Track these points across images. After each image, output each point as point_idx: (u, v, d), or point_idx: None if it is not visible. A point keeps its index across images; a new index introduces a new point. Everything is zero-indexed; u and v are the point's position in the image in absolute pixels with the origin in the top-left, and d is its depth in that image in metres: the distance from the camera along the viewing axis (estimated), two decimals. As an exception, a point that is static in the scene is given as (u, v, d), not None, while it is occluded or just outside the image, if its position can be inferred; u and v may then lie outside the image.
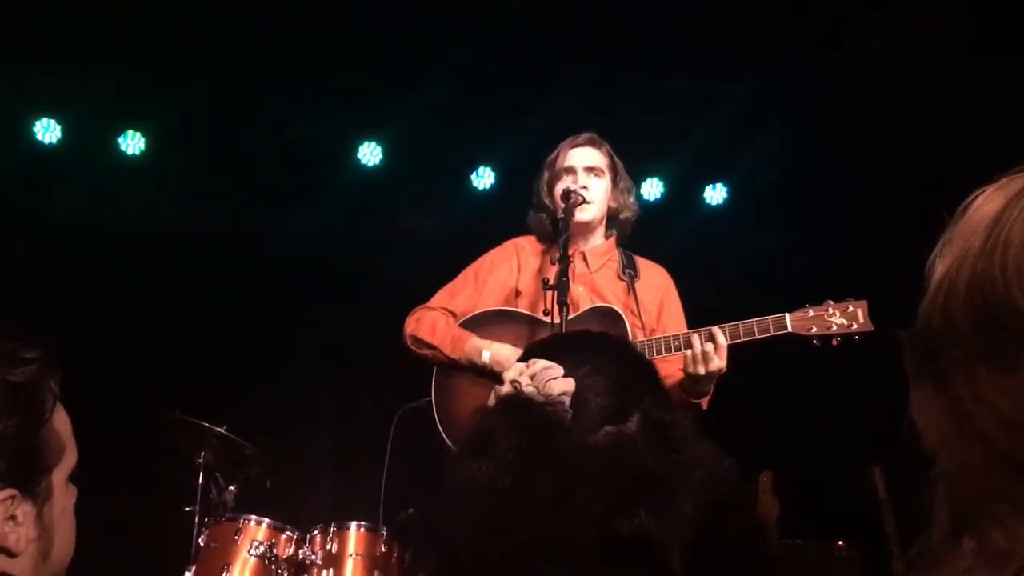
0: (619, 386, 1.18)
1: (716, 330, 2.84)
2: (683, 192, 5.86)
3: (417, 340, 3.18)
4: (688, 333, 2.90)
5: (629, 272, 3.22)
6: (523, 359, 1.23)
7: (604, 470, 1.05)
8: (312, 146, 5.56)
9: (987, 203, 0.60)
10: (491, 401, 1.21)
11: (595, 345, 1.31)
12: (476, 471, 1.07)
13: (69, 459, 1.13)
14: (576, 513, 1.01)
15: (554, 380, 1.16)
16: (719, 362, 2.82)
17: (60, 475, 1.11)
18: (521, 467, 1.05)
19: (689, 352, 2.83)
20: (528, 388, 1.16)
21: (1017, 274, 0.56)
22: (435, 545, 1.09)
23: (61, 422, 1.11)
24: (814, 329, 2.86)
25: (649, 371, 1.27)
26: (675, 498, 1.04)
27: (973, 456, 0.57)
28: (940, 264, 0.61)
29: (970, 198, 0.62)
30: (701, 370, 2.81)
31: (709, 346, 2.82)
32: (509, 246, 3.35)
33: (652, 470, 1.06)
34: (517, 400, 1.16)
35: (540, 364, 1.18)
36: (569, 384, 1.15)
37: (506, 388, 1.19)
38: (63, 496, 1.12)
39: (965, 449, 0.58)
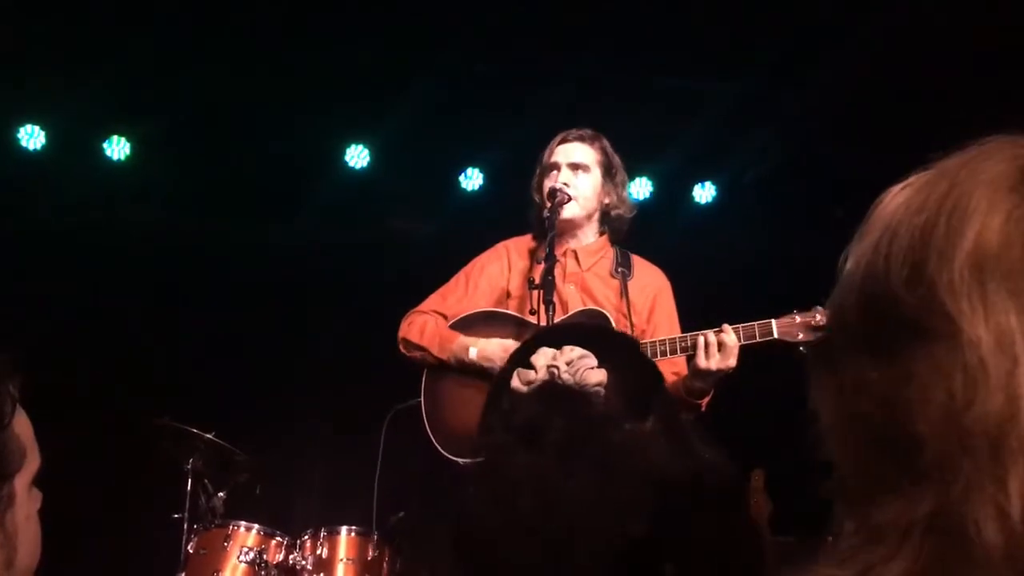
0: (636, 385, 1.17)
1: (727, 327, 2.84)
2: (672, 190, 5.85)
3: (407, 343, 3.17)
4: (695, 334, 2.88)
5: (622, 270, 3.16)
6: (539, 345, 1.20)
7: (629, 468, 1.03)
8: (299, 149, 5.54)
9: (892, 199, 0.63)
10: (518, 385, 1.18)
11: (610, 341, 1.30)
12: (529, 464, 1.04)
13: (31, 464, 1.10)
14: (609, 511, 0.99)
15: (590, 370, 1.14)
16: (730, 360, 2.81)
17: (23, 481, 1.08)
18: (569, 460, 1.03)
19: (702, 339, 2.82)
20: (566, 376, 1.14)
21: (896, 261, 0.58)
22: (467, 542, 1.05)
23: (22, 426, 1.08)
24: (801, 336, 2.84)
25: (656, 372, 1.26)
26: (686, 501, 1.03)
27: (853, 438, 0.60)
28: (849, 260, 0.64)
29: (882, 195, 0.65)
30: (713, 365, 2.80)
31: (723, 337, 2.82)
32: (500, 248, 3.32)
33: (669, 470, 1.05)
34: (557, 388, 1.14)
35: (576, 351, 1.16)
36: (603, 374, 1.14)
37: (541, 374, 1.17)
38: (26, 502, 1.09)
39: (845, 430, 0.61)
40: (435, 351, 3.09)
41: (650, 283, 3.22)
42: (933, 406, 0.54)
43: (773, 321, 2.86)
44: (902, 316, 0.57)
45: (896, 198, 0.63)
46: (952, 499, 0.52)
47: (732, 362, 2.82)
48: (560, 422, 1.06)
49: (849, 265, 0.63)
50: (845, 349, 0.61)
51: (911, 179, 0.63)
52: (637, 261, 3.25)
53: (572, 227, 3.18)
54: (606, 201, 3.22)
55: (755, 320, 2.88)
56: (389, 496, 3.93)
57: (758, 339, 2.84)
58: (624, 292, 3.12)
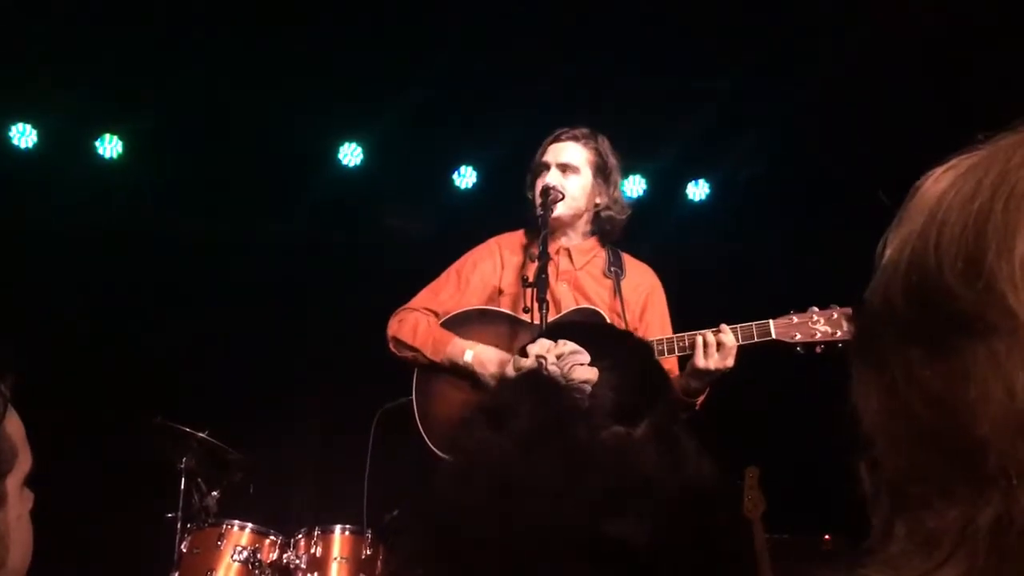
0: (635, 388, 1.16)
1: (725, 327, 2.85)
2: (666, 188, 5.85)
3: (399, 342, 3.15)
4: (693, 334, 2.88)
5: (615, 270, 3.17)
6: (544, 337, 1.21)
7: (606, 469, 1.03)
8: (293, 147, 5.53)
9: (935, 184, 0.59)
10: (510, 371, 1.20)
11: (618, 341, 1.30)
12: (491, 444, 1.05)
13: (23, 464, 1.09)
14: (574, 508, 0.99)
15: (580, 366, 1.14)
16: (728, 360, 2.82)
17: (14, 481, 1.07)
18: (534, 450, 1.03)
19: (700, 339, 2.83)
20: (552, 368, 1.15)
21: (949, 252, 0.55)
22: (433, 520, 1.06)
23: (13, 426, 1.08)
24: (798, 336, 2.85)
25: (664, 380, 1.26)
26: (667, 511, 1.02)
27: (903, 437, 0.57)
28: (888, 247, 0.60)
29: (922, 179, 0.61)
30: (711, 365, 2.80)
31: (721, 337, 2.83)
32: (492, 244, 3.31)
33: (650, 480, 1.04)
34: (539, 377, 1.15)
35: (569, 346, 1.17)
36: (593, 373, 1.14)
37: (529, 362, 1.17)
38: (18, 502, 1.08)
39: (896, 430, 0.57)
40: (428, 352, 3.07)
41: (642, 282, 3.22)
42: (993, 405, 0.51)
43: (771, 321, 2.87)
44: (957, 310, 0.53)
45: (939, 182, 0.59)
46: (1019, 503, 0.50)
47: (730, 362, 2.83)
48: (531, 410, 1.06)
49: (890, 254, 0.59)
50: (892, 344, 0.57)
51: (953, 161, 0.60)
52: (628, 260, 3.26)
53: (562, 226, 3.18)
54: (597, 202, 3.21)
55: (750, 319, 2.89)
56: (383, 495, 3.92)
57: (756, 339, 2.86)
58: (617, 291, 3.12)
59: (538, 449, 1.02)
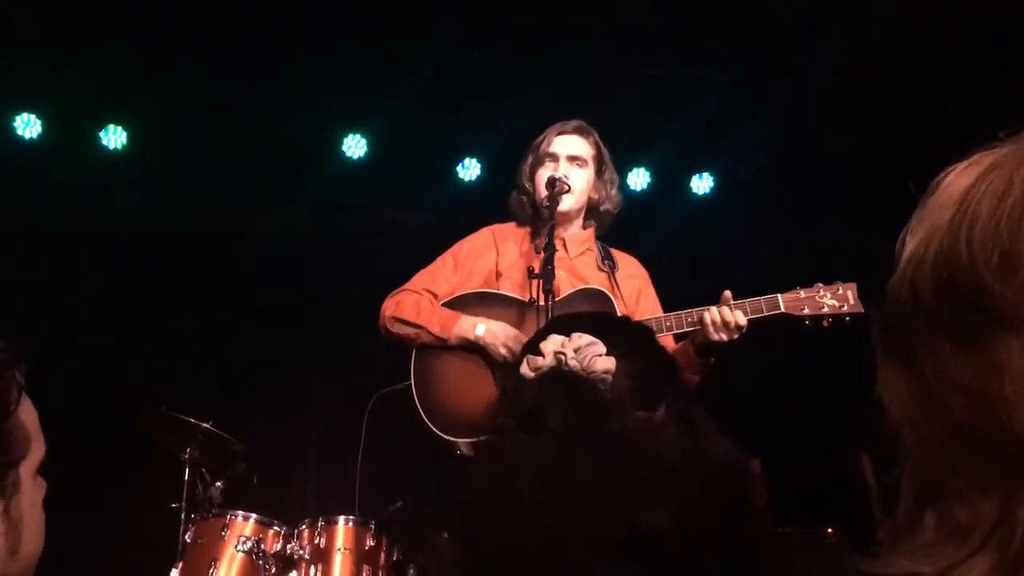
0: (648, 373, 1.17)
1: (729, 296, 2.89)
2: (669, 182, 5.86)
3: (399, 320, 3.15)
4: (702, 309, 2.91)
5: (608, 263, 3.24)
6: (551, 332, 1.21)
7: (633, 457, 1.03)
8: (296, 139, 5.52)
9: (958, 179, 0.59)
10: (526, 371, 1.19)
11: (623, 328, 1.30)
12: (528, 447, 1.04)
13: (37, 452, 1.10)
14: (609, 500, 0.98)
15: (598, 357, 1.14)
16: (736, 334, 2.85)
17: (28, 468, 1.08)
18: (569, 446, 1.02)
19: (708, 315, 2.86)
20: (572, 362, 1.14)
21: (982, 248, 0.55)
22: (467, 523, 1.05)
23: (27, 414, 1.08)
24: (806, 310, 2.89)
25: (672, 361, 1.26)
26: (693, 493, 1.02)
27: (935, 430, 0.57)
28: (910, 240, 0.60)
29: (942, 174, 0.61)
30: (724, 336, 2.84)
31: (727, 313, 2.86)
32: (486, 232, 3.35)
33: (676, 462, 1.03)
34: (562, 374, 1.14)
35: (585, 339, 1.17)
36: (611, 362, 1.15)
37: (548, 360, 1.17)
38: (31, 490, 1.08)
39: (927, 423, 0.57)
40: (435, 329, 3.08)
41: (635, 273, 3.29)
42: None
43: (779, 295, 2.91)
44: (991, 305, 0.53)
45: (961, 177, 0.59)
46: None
47: (738, 333, 2.85)
48: (563, 408, 1.06)
49: (913, 248, 0.59)
50: (921, 339, 0.57)
51: (974, 158, 0.60)
52: (616, 253, 3.33)
53: (565, 219, 3.22)
54: (594, 196, 3.27)
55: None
56: (384, 484, 3.93)
57: (765, 313, 2.89)
58: (613, 280, 3.17)
59: (578, 445, 1.02)
